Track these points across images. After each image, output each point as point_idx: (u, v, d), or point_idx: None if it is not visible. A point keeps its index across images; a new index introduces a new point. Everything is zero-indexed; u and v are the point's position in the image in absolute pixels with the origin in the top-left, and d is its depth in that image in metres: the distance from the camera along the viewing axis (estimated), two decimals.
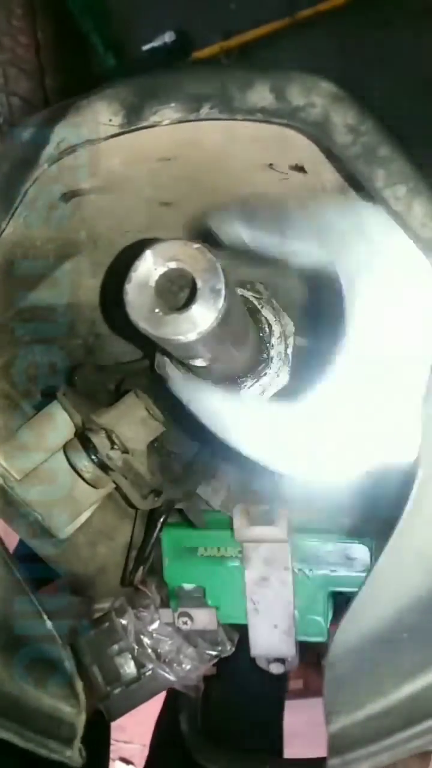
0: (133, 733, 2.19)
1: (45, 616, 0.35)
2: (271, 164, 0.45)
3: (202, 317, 0.35)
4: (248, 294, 0.49)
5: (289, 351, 0.49)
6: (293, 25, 1.56)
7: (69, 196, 0.46)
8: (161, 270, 0.36)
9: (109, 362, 0.62)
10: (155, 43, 1.62)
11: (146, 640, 0.93)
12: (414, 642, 0.32)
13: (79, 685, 0.35)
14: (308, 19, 1.56)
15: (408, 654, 0.32)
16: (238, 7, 1.59)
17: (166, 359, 0.50)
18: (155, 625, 0.92)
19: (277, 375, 0.49)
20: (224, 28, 1.59)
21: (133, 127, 0.38)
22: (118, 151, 0.44)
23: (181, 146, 0.44)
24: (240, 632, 0.86)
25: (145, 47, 1.62)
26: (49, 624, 0.35)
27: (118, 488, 0.50)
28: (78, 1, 1.61)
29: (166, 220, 0.51)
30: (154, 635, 0.93)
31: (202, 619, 0.87)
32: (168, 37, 1.61)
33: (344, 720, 0.32)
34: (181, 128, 0.41)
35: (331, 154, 0.37)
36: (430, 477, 0.32)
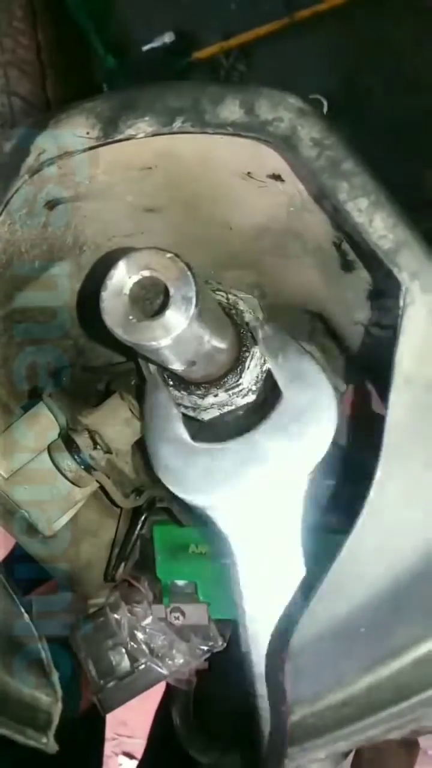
0: (135, 728, 2.21)
1: (22, 609, 0.37)
2: (249, 173, 0.46)
3: (174, 323, 0.37)
4: (222, 297, 0.50)
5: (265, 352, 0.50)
6: (292, 26, 1.57)
7: (53, 203, 0.48)
8: (135, 278, 0.38)
9: (99, 363, 0.63)
10: (155, 44, 1.63)
11: (139, 635, 0.95)
12: (371, 636, 0.33)
13: (55, 676, 0.37)
14: (307, 19, 1.57)
15: (365, 647, 0.33)
16: (238, 8, 1.60)
17: (152, 369, 0.52)
18: (148, 621, 0.94)
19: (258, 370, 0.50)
20: (224, 28, 1.60)
21: (109, 140, 0.40)
22: (99, 162, 0.45)
23: (160, 156, 0.46)
24: (232, 628, 0.88)
25: (145, 48, 1.63)
26: (26, 617, 0.37)
27: (101, 487, 0.52)
28: (78, 3, 1.62)
29: (151, 225, 0.53)
30: (148, 630, 0.94)
31: (194, 614, 0.88)
32: (168, 37, 1.62)
33: (305, 710, 0.34)
34: (161, 139, 0.43)
35: (297, 168, 0.38)
36: (389, 476, 0.33)
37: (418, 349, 0.34)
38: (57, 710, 0.36)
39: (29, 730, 0.35)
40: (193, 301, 0.37)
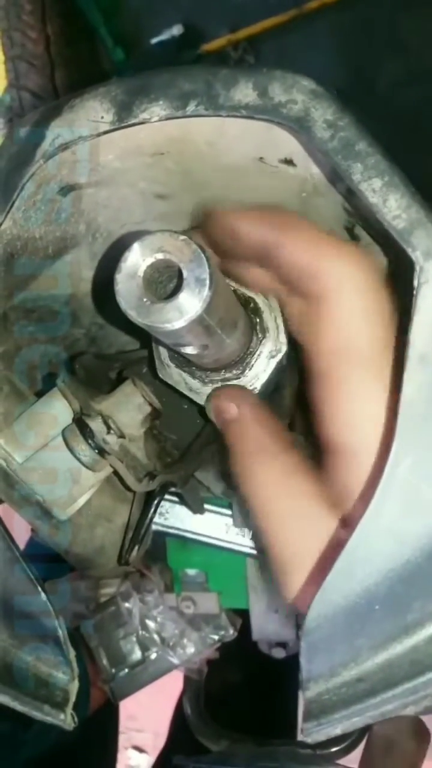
0: (145, 722, 2.23)
1: (40, 588, 0.37)
2: (261, 158, 0.46)
3: (188, 305, 0.37)
4: (233, 282, 0.50)
5: (282, 333, 0.50)
6: (300, 17, 1.57)
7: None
8: (149, 261, 0.38)
9: (111, 351, 0.64)
10: (163, 37, 1.63)
11: (151, 624, 0.96)
12: (386, 613, 0.33)
13: (72, 654, 0.37)
14: (315, 10, 1.57)
15: (380, 625, 0.33)
16: (246, 0, 1.60)
17: (164, 358, 0.52)
18: (159, 610, 0.94)
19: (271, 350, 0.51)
20: (232, 20, 1.60)
21: (123, 124, 0.40)
22: (112, 147, 0.46)
23: (173, 142, 0.46)
24: (243, 617, 0.88)
25: (154, 41, 1.63)
26: (43, 596, 0.37)
27: (115, 472, 0.52)
28: None
29: (163, 212, 0.53)
30: (159, 619, 0.95)
31: (205, 603, 0.89)
32: (176, 30, 1.62)
33: (320, 687, 0.34)
34: (172, 124, 0.43)
35: (311, 149, 0.38)
36: (403, 454, 0.33)
37: (431, 328, 0.34)
38: (74, 688, 0.37)
39: (46, 706, 0.36)
40: (207, 283, 0.37)
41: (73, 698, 0.37)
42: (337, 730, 0.33)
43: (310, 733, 0.33)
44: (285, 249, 0.43)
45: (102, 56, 1.65)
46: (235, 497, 0.65)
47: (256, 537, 0.47)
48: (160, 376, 0.50)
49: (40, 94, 1.52)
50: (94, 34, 1.63)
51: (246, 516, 0.68)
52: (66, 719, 0.36)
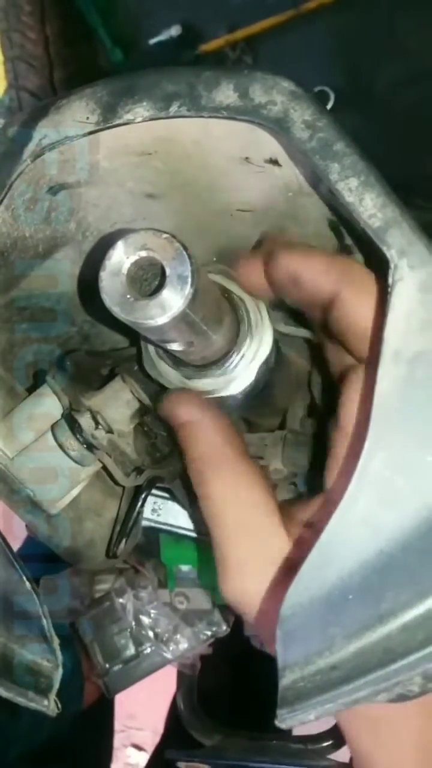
0: (144, 720, 2.24)
1: (23, 574, 0.38)
2: (247, 158, 0.47)
3: (170, 302, 0.38)
4: (219, 278, 0.51)
5: (267, 330, 0.51)
6: (298, 18, 1.57)
7: (56, 189, 0.49)
8: (133, 258, 0.39)
9: (104, 349, 0.65)
10: (162, 38, 1.64)
11: (145, 620, 0.97)
12: (359, 603, 0.34)
13: (56, 641, 0.38)
14: (313, 11, 1.57)
15: (354, 614, 0.34)
16: (243, 1, 1.61)
17: (152, 353, 0.53)
18: (153, 605, 0.95)
19: (258, 347, 0.52)
20: (230, 21, 1.61)
21: (108, 125, 0.41)
22: (100, 147, 0.47)
23: (159, 142, 0.47)
24: (235, 613, 0.89)
25: (152, 41, 1.64)
26: (27, 583, 0.38)
27: (104, 467, 0.53)
28: None
29: (152, 211, 0.54)
30: (152, 615, 0.96)
31: (198, 599, 0.90)
32: (174, 31, 1.63)
33: (295, 674, 0.35)
34: (159, 125, 0.44)
35: (291, 150, 0.39)
36: (377, 447, 0.34)
37: (405, 324, 0.35)
38: (57, 675, 0.38)
39: (30, 692, 0.37)
40: (189, 280, 0.38)
41: (56, 685, 0.38)
42: (311, 717, 0.34)
43: (284, 719, 0.34)
44: (345, 306, 0.41)
45: (101, 57, 1.66)
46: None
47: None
48: (148, 371, 0.51)
49: (39, 94, 1.53)
50: (92, 34, 1.64)
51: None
52: (50, 705, 0.37)
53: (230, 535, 0.42)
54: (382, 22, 1.61)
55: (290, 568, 0.40)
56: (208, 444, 0.45)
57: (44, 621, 0.38)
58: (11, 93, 1.51)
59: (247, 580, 0.42)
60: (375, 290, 0.40)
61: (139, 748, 2.29)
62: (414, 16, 1.61)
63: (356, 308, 0.40)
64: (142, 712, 2.17)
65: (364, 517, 0.34)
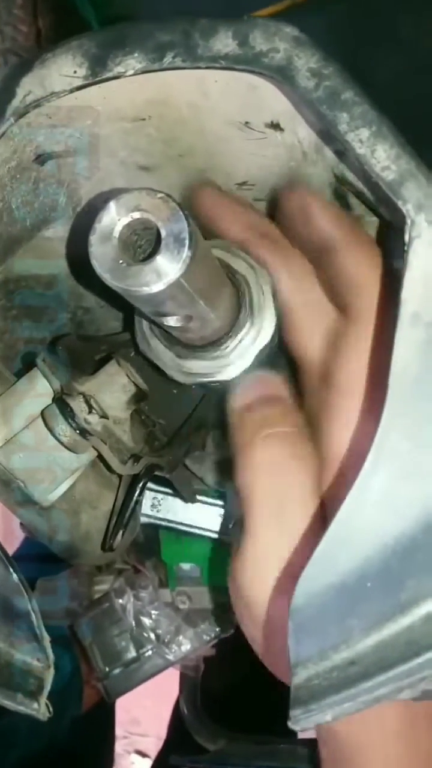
0: (148, 726, 2.21)
1: (11, 569, 0.35)
2: (247, 122, 0.44)
3: (167, 267, 0.35)
4: (220, 253, 0.48)
5: (270, 309, 0.48)
6: (295, 7, 1.55)
7: (44, 158, 0.46)
8: (125, 221, 0.36)
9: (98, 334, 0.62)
10: None
11: (145, 621, 0.94)
12: (378, 591, 0.31)
13: (46, 640, 0.35)
14: (309, 2, 1.55)
15: (373, 603, 0.31)
16: None
17: (146, 331, 0.50)
18: (154, 606, 0.92)
19: (258, 332, 0.48)
20: (225, 14, 1.58)
21: (98, 78, 0.38)
22: (90, 111, 0.44)
23: (153, 105, 0.44)
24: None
25: None
26: (15, 577, 0.35)
27: (99, 455, 0.50)
28: None
29: (147, 184, 0.51)
30: (153, 616, 0.93)
31: (201, 599, 0.86)
32: None
33: (309, 671, 0.32)
34: (152, 83, 0.41)
35: (296, 102, 0.36)
36: (395, 419, 0.31)
37: (424, 285, 0.32)
38: (48, 676, 0.35)
39: (19, 695, 0.33)
40: (186, 243, 0.35)
41: (47, 686, 0.35)
42: (328, 717, 0.30)
43: (299, 720, 0.30)
44: (345, 255, 0.41)
45: None
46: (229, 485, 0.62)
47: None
48: (141, 349, 0.48)
49: None
50: (86, 27, 1.62)
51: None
52: (40, 708, 0.34)
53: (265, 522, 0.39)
54: (381, 13, 1.59)
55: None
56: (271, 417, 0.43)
57: (33, 618, 0.34)
58: None
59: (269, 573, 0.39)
60: (377, 252, 0.40)
61: (142, 754, 2.26)
62: (414, 6, 1.59)
63: (357, 261, 0.39)
64: (145, 718, 2.14)
65: (383, 496, 0.31)
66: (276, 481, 0.39)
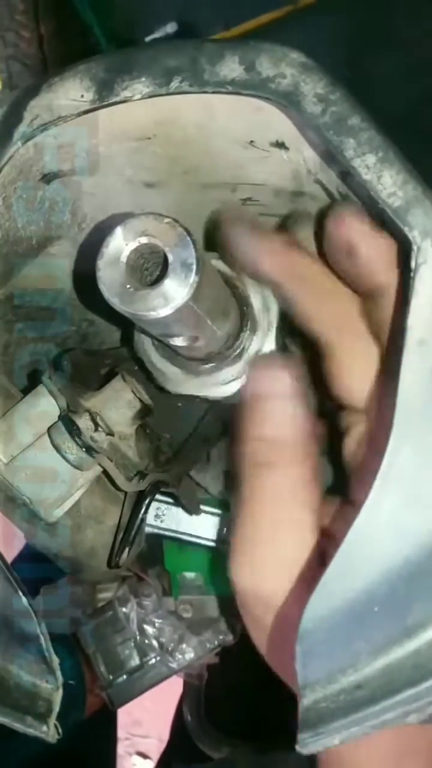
0: (150, 728, 2.21)
1: (20, 592, 0.35)
2: (252, 141, 0.44)
3: (174, 292, 0.35)
4: (222, 266, 0.48)
5: (273, 320, 0.48)
6: (295, 12, 1.55)
7: (50, 177, 0.46)
8: (132, 245, 0.36)
9: (103, 348, 0.62)
10: (157, 35, 1.61)
11: (149, 629, 0.94)
12: (386, 615, 0.31)
13: (55, 662, 0.35)
14: (310, 6, 1.55)
15: (380, 627, 0.31)
16: None
17: (145, 341, 0.50)
18: (158, 614, 0.92)
19: (262, 346, 0.49)
20: (226, 17, 1.58)
21: (105, 103, 0.38)
22: (96, 131, 0.44)
23: (159, 124, 0.44)
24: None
25: (148, 39, 1.61)
26: (24, 600, 0.35)
27: (104, 471, 0.50)
28: None
29: (152, 201, 0.51)
30: (157, 624, 0.93)
31: (204, 607, 0.87)
32: (170, 28, 1.60)
33: (317, 694, 0.32)
34: (159, 106, 0.41)
35: (302, 127, 0.37)
36: (402, 445, 0.31)
37: (431, 311, 0.32)
38: (57, 698, 0.35)
39: (29, 717, 0.34)
40: (194, 267, 0.35)
41: (56, 708, 0.35)
42: (335, 741, 0.31)
43: (306, 744, 0.31)
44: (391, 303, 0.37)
45: (96, 55, 1.63)
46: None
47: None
48: (144, 364, 0.48)
49: None
50: (87, 33, 1.62)
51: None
52: (49, 731, 0.34)
53: (263, 530, 0.39)
54: (380, 16, 1.59)
55: (312, 575, 0.37)
56: (279, 428, 0.40)
57: (42, 639, 0.35)
58: (5, 93, 1.48)
59: (268, 576, 0.39)
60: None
61: (144, 756, 2.26)
62: (413, 10, 1.59)
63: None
64: (147, 720, 2.14)
65: (390, 521, 0.31)
66: (274, 509, 0.39)
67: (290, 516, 0.39)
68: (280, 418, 0.40)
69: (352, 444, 0.42)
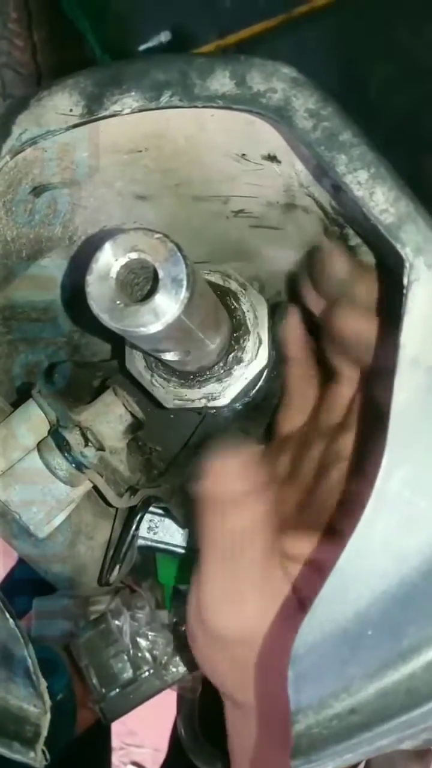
0: (144, 738, 2.19)
1: (8, 614, 0.35)
2: (243, 154, 0.44)
3: (164, 307, 0.35)
4: (214, 278, 0.48)
5: (264, 333, 0.48)
6: (289, 21, 1.55)
7: (40, 190, 0.46)
8: (122, 261, 0.36)
9: (95, 360, 0.61)
10: (152, 44, 1.61)
11: (142, 642, 0.93)
12: (379, 638, 0.31)
13: (43, 685, 0.35)
14: (304, 15, 1.55)
15: (374, 651, 0.31)
16: (234, 5, 1.58)
17: (135, 355, 0.50)
18: (151, 627, 0.91)
19: (253, 359, 0.48)
20: (220, 26, 1.58)
21: (93, 117, 0.38)
22: (85, 144, 0.43)
23: (150, 138, 0.44)
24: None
25: (142, 47, 1.61)
26: (11, 622, 0.35)
27: (95, 486, 0.50)
28: (74, 3, 1.60)
29: (143, 213, 0.51)
30: (150, 637, 0.92)
31: None
32: (164, 37, 1.60)
33: (309, 719, 0.31)
34: (150, 119, 0.41)
35: (292, 142, 0.36)
36: (395, 464, 0.31)
37: (423, 329, 0.31)
38: (45, 722, 0.34)
39: (15, 743, 0.33)
40: (184, 283, 0.35)
41: (44, 733, 0.34)
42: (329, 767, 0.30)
43: None
44: None
45: (90, 64, 1.63)
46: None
47: None
48: (128, 368, 0.48)
49: None
50: (81, 41, 1.62)
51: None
52: (36, 757, 0.33)
53: (230, 566, 0.39)
54: (375, 24, 1.59)
55: (291, 607, 0.37)
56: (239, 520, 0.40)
57: (29, 662, 0.34)
58: None
59: (248, 609, 0.39)
60: None
61: (139, 766, 2.24)
62: (408, 18, 1.59)
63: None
64: (142, 729, 2.12)
65: (384, 543, 0.31)
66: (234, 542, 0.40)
67: (253, 556, 0.39)
68: (240, 510, 0.40)
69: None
